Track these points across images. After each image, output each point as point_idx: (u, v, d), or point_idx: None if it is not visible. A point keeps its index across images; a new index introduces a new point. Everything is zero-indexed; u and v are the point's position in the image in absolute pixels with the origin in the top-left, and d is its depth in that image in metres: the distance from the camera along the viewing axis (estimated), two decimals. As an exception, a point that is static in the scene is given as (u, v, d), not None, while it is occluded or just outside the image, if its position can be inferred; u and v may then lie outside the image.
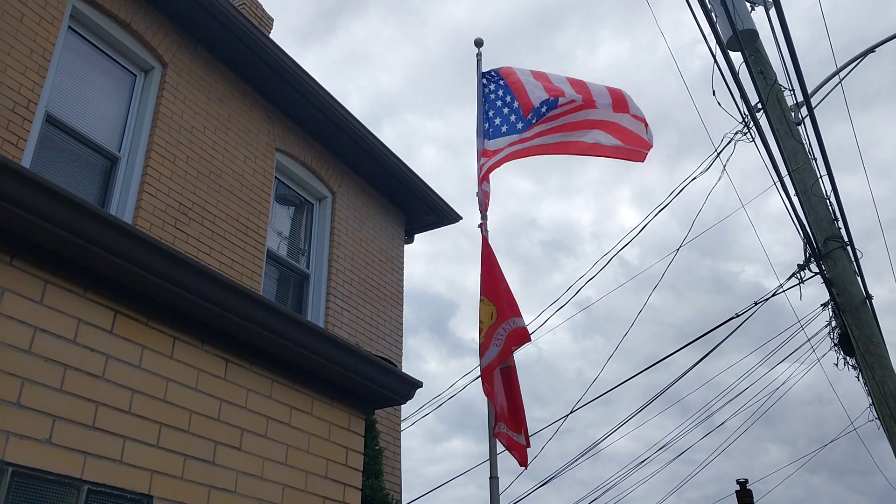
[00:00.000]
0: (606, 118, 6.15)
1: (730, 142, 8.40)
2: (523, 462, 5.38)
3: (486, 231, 5.93)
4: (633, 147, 6.18)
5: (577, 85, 6.18)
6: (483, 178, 6.04)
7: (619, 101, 6.24)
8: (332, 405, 4.05)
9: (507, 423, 5.35)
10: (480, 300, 5.50)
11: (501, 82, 6.36)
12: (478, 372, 5.57)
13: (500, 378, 5.39)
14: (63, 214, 2.87)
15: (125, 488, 2.95)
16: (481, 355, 5.32)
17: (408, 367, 8.50)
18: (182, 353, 3.35)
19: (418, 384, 4.33)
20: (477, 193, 6.06)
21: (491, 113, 6.35)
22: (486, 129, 6.32)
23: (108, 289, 3.11)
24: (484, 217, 6.04)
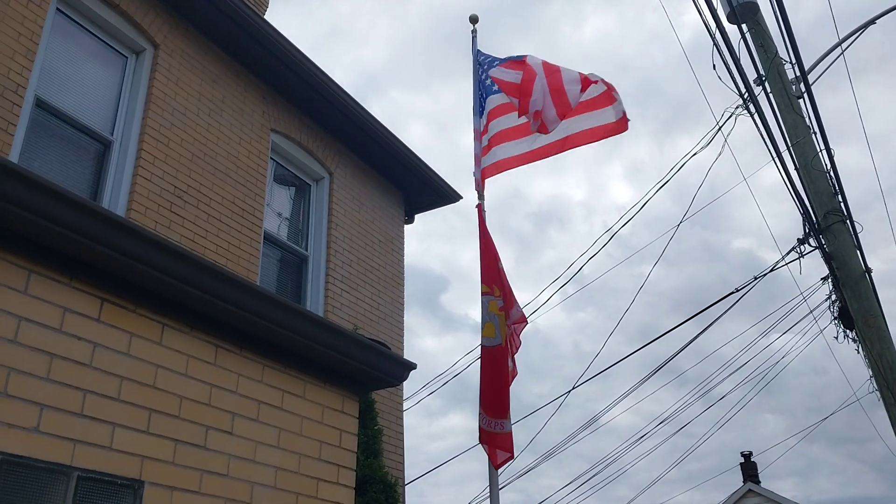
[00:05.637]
0: (574, 103, 5.79)
1: (731, 116, 8.31)
2: (510, 452, 4.87)
3: (484, 211, 5.89)
4: (606, 122, 5.83)
5: (552, 75, 5.88)
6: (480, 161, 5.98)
7: (585, 81, 5.90)
8: (325, 388, 4.05)
9: (490, 409, 4.86)
10: (483, 289, 5.10)
11: (498, 74, 6.15)
12: (473, 347, 5.51)
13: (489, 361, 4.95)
14: (47, 204, 2.85)
15: (116, 474, 2.97)
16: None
17: (405, 345, 8.51)
18: (171, 339, 3.34)
19: (412, 366, 4.33)
20: (474, 174, 6.00)
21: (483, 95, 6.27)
22: (482, 109, 6.25)
23: (95, 277, 3.10)
24: (481, 198, 5.98)
